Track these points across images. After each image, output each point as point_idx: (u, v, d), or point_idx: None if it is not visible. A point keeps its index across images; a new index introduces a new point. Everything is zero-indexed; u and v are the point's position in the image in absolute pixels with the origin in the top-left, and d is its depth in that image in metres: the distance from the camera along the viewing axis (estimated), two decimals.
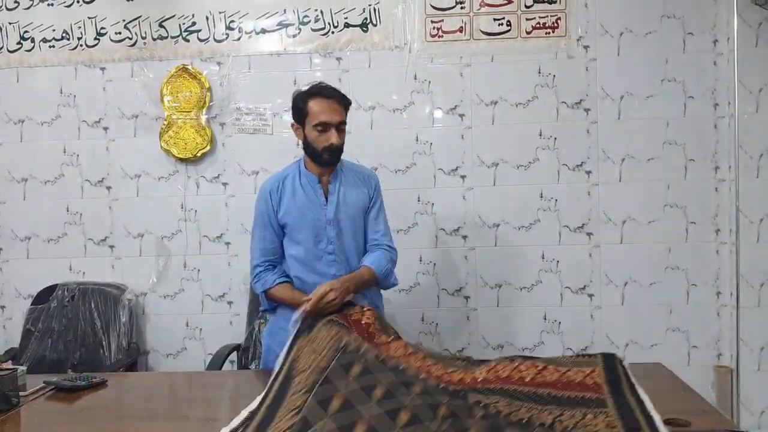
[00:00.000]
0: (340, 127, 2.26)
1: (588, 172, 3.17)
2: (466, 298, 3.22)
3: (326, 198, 2.32)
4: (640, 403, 1.59)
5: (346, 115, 2.30)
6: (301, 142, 2.33)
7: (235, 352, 3.02)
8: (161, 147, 3.24)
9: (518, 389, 1.68)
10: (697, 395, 1.89)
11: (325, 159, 2.27)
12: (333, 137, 2.23)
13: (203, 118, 3.22)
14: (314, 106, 2.24)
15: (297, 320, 2.06)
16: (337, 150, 2.26)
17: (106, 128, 3.30)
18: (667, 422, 1.61)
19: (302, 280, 2.32)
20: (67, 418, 1.92)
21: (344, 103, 2.29)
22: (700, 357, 3.16)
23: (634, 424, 1.47)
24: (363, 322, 1.99)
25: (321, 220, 2.30)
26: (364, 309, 2.08)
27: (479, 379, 1.75)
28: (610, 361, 1.83)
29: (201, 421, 1.81)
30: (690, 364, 3.15)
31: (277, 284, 2.32)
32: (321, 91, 2.27)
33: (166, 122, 3.23)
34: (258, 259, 2.36)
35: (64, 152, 3.31)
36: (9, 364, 2.03)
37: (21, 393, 1.99)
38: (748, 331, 3.04)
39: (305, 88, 2.30)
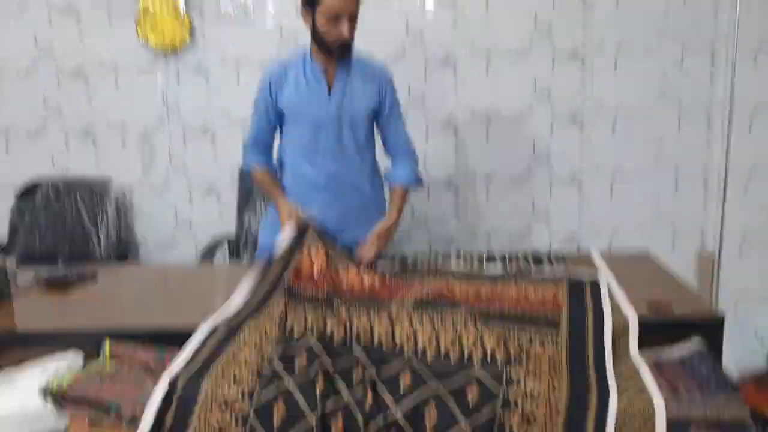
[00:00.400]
0: (352, 18, 2.10)
1: (582, 60, 3.11)
2: (456, 188, 3.23)
3: (329, 91, 2.21)
4: (599, 331, 1.59)
5: (359, 6, 2.14)
6: (308, 28, 2.15)
7: (226, 244, 3.05)
8: (138, 36, 3.10)
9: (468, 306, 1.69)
10: (679, 281, 1.95)
11: (336, 54, 2.14)
12: (344, 30, 2.07)
13: (181, 5, 3.07)
14: None
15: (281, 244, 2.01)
16: (348, 45, 2.13)
17: (78, 13, 3.14)
18: (649, 306, 1.67)
19: (299, 169, 2.26)
20: (59, 309, 1.96)
21: None
22: (684, 244, 3.23)
23: (582, 362, 1.48)
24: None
25: (322, 114, 2.20)
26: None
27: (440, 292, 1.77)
28: (578, 286, 1.81)
29: (194, 313, 1.83)
30: (674, 252, 3.21)
31: (258, 168, 2.31)
32: None
33: (142, 10, 3.07)
34: (248, 141, 2.34)
35: (36, 41, 3.18)
36: None
37: (12, 285, 2.01)
38: (732, 220, 3.09)
39: None
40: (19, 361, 1.60)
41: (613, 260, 2.08)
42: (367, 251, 2.13)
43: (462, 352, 1.49)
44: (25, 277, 2.11)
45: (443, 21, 3.09)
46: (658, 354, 1.55)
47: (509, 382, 1.39)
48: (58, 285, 2.09)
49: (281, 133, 2.32)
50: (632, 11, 3.04)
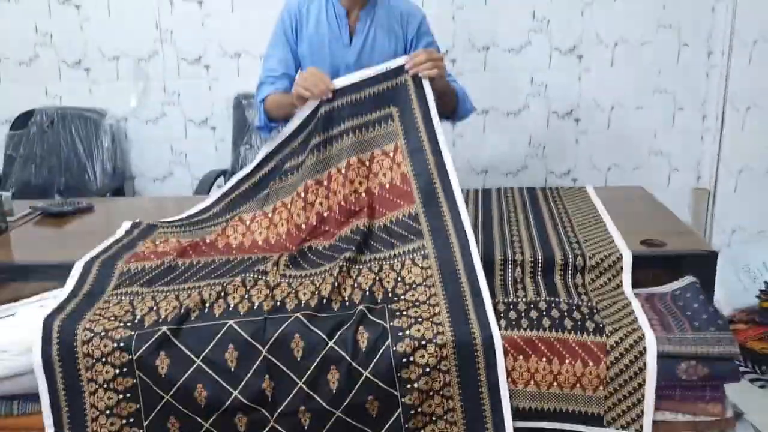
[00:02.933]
0: None
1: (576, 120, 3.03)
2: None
3: (351, 38, 2.05)
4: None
5: None
6: None
7: (222, 177, 3.03)
8: None
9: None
10: (673, 216, 1.94)
11: None
12: None
13: None
14: None
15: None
16: None
17: None
18: (642, 242, 1.67)
19: None
20: (56, 242, 1.95)
21: None
22: (680, 179, 3.21)
23: (449, 253, 1.54)
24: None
25: (340, 62, 2.03)
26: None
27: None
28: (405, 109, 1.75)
29: None
30: (669, 187, 3.20)
31: (269, 96, 2.02)
32: None
33: None
34: (262, 76, 2.08)
35: None
36: None
37: (8, 218, 2.00)
38: (729, 154, 3.06)
39: None
40: (17, 295, 1.61)
41: (608, 195, 2.08)
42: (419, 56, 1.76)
43: (343, 299, 1.48)
44: (21, 209, 2.10)
45: None
46: (651, 290, 1.56)
47: (392, 316, 1.41)
48: (54, 217, 2.08)
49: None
50: None
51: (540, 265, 1.59)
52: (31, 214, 2.10)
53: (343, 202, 1.74)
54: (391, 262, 1.57)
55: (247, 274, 1.54)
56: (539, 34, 3.06)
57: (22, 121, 3.14)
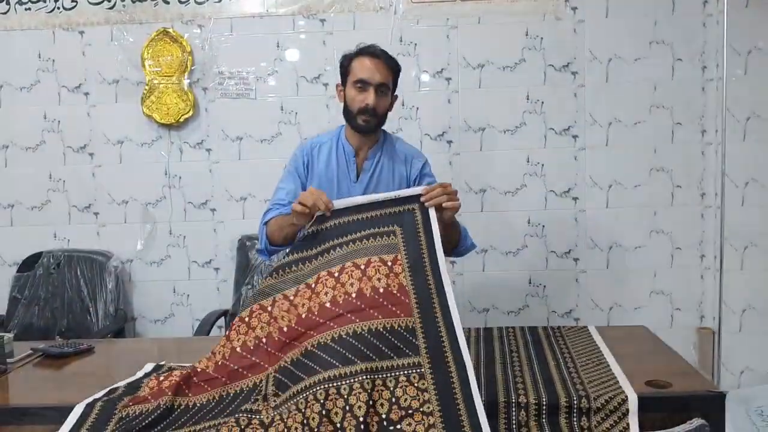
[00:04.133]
0: (381, 89, 2.08)
1: (575, 137, 3.18)
2: (452, 263, 3.24)
3: (358, 175, 2.18)
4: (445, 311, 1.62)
5: (393, 82, 2.14)
6: (342, 105, 2.17)
7: (222, 318, 3.04)
8: (143, 112, 3.20)
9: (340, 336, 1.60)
10: (678, 357, 1.93)
11: (359, 123, 2.10)
12: (370, 98, 2.06)
13: (185, 82, 3.18)
14: (357, 64, 2.10)
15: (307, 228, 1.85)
16: (373, 114, 2.08)
17: (86, 94, 3.25)
18: (648, 384, 1.66)
19: None
20: (55, 383, 1.94)
21: (391, 66, 2.12)
22: (683, 319, 3.22)
23: (447, 379, 1.51)
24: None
25: (347, 196, 2.05)
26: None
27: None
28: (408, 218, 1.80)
29: None
30: (673, 327, 3.20)
31: (273, 220, 2.10)
32: (368, 49, 2.12)
33: (147, 87, 3.19)
34: (270, 204, 2.18)
35: (45, 118, 3.27)
36: None
37: (9, 360, 2.01)
38: (730, 293, 3.08)
39: (354, 49, 2.15)
40: None
41: (611, 335, 2.08)
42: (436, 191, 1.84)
43: (335, 428, 1.43)
44: (22, 351, 2.11)
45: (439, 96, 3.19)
46: None
47: None
48: (55, 359, 2.08)
49: None
50: (624, 88, 3.14)
51: (544, 408, 1.58)
52: (31, 355, 2.10)
53: (328, 304, 1.66)
54: (384, 376, 1.51)
55: (240, 415, 1.51)
56: (535, 177, 3.20)
57: (30, 263, 3.21)
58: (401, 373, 1.52)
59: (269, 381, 1.60)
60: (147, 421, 1.57)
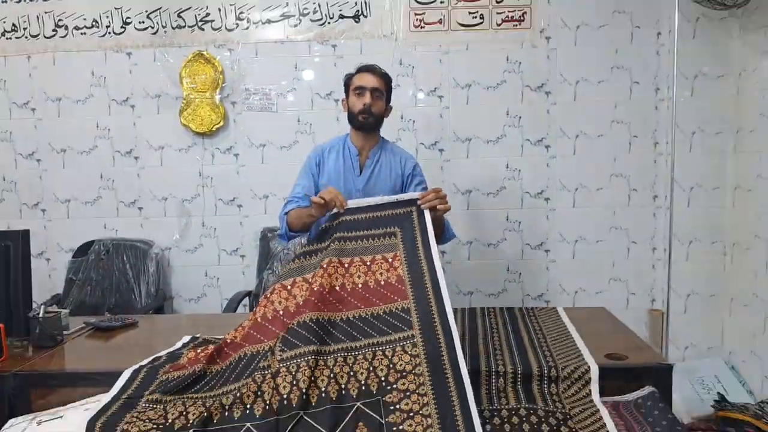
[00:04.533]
0: (375, 93, 2.20)
1: (547, 147, 3.16)
2: (443, 252, 3.24)
3: (361, 170, 2.27)
4: (439, 299, 1.60)
5: (386, 88, 2.25)
6: (346, 114, 2.28)
7: (246, 298, 3.04)
8: (181, 123, 3.19)
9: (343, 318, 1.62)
10: (633, 334, 1.93)
11: (359, 121, 2.21)
12: (367, 98, 2.18)
13: (217, 97, 3.17)
14: (356, 78, 2.24)
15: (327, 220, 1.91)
16: (370, 113, 2.19)
17: (132, 106, 3.24)
18: (607, 356, 1.65)
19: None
20: (104, 353, 1.94)
21: (382, 75, 2.25)
22: (636, 302, 3.22)
23: (436, 347, 1.49)
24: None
25: (352, 187, 2.23)
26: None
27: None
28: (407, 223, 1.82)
29: None
30: (628, 309, 3.20)
31: (292, 211, 2.15)
32: (365, 66, 2.26)
33: (185, 101, 3.18)
34: (288, 197, 2.23)
35: (97, 127, 3.26)
36: (54, 308, 2.03)
37: (65, 332, 2.01)
38: (677, 280, 3.08)
39: (354, 69, 2.29)
40: (65, 399, 1.58)
41: (576, 315, 2.08)
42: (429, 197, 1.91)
43: (340, 389, 1.43)
44: (75, 325, 2.10)
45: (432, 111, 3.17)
46: (616, 398, 1.53)
47: (387, 411, 1.37)
48: (103, 332, 2.08)
49: None
50: (589, 106, 3.13)
51: (520, 375, 1.58)
52: (84, 328, 2.10)
53: (338, 288, 1.69)
54: (383, 348, 1.53)
55: (256, 373, 1.50)
56: (513, 181, 3.19)
57: (83, 250, 3.21)
58: (398, 345, 1.53)
59: (278, 339, 1.59)
60: (183, 385, 1.57)
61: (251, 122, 3.22)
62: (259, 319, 1.70)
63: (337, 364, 1.48)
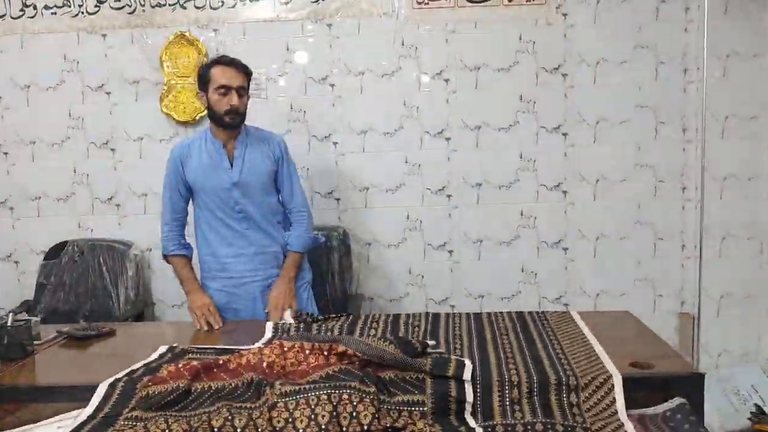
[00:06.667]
0: (240, 92, 2.29)
1: (565, 134, 3.16)
2: (450, 252, 3.24)
3: (231, 163, 2.35)
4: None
5: (248, 83, 2.35)
6: (206, 108, 2.37)
7: None
8: (162, 110, 3.19)
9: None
10: (660, 340, 1.92)
11: (226, 122, 2.30)
12: (234, 99, 2.27)
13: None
14: (216, 72, 2.29)
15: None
16: (237, 113, 2.30)
17: (108, 93, 3.24)
18: (631, 365, 1.65)
19: (213, 252, 2.44)
20: (79, 364, 1.94)
21: (244, 70, 2.34)
22: (664, 305, 3.21)
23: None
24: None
25: (226, 183, 2.34)
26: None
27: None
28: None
29: None
30: (655, 312, 3.19)
31: (174, 254, 2.44)
32: (222, 59, 2.34)
33: (165, 87, 3.18)
34: (166, 217, 2.45)
35: (70, 116, 3.25)
36: (24, 316, 2.03)
37: (36, 342, 2.00)
38: (709, 281, 3.08)
39: (209, 60, 2.40)
40: (37, 416, 1.58)
41: (596, 319, 2.07)
42: (274, 317, 2.30)
43: (341, 428, 1.41)
44: (48, 334, 2.10)
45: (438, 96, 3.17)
46: (642, 411, 1.53)
47: None
48: (78, 341, 2.08)
49: (194, 207, 2.46)
50: (611, 89, 3.12)
51: (535, 385, 1.57)
52: (57, 337, 2.10)
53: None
54: (388, 407, 1.49)
55: (250, 393, 1.50)
56: (527, 172, 3.18)
57: (55, 251, 3.20)
58: (404, 408, 1.50)
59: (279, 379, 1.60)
60: (166, 401, 1.56)
61: None
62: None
63: (342, 402, 1.45)
